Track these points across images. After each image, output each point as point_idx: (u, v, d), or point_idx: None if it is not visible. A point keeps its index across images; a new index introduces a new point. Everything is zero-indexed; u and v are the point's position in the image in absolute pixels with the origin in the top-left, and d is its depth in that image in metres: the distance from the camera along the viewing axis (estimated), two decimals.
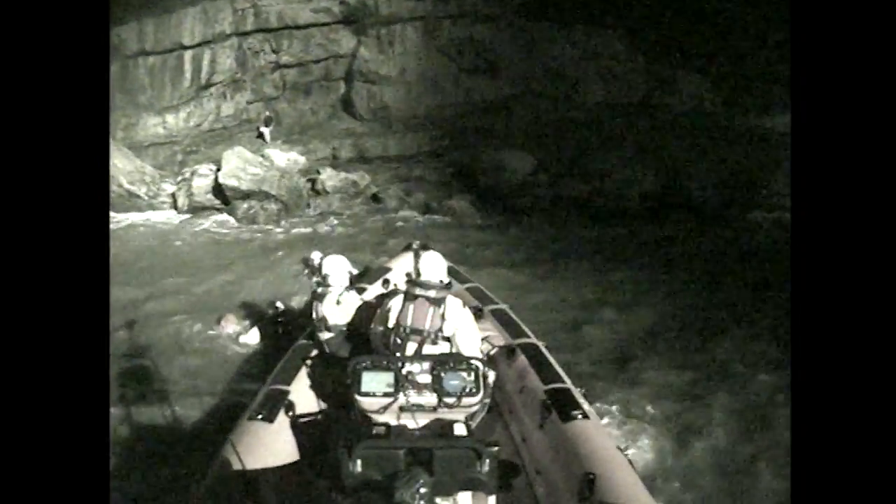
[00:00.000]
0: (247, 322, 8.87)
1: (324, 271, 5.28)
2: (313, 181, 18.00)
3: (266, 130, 20.76)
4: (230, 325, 8.68)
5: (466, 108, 21.71)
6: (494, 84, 22.15)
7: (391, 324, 4.09)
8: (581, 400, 4.37)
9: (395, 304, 4.15)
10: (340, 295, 5.13)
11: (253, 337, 8.31)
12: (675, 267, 12.51)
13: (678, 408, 6.70)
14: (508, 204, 17.88)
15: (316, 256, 10.82)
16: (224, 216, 16.56)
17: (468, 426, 3.56)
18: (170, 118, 20.22)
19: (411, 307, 4.05)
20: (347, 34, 21.25)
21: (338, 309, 5.09)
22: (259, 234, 15.36)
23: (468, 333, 4.13)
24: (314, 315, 5.16)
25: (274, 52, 21.06)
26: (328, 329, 5.07)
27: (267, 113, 21.17)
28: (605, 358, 8.02)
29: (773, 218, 16.63)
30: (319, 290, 5.20)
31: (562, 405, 4.23)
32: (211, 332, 8.68)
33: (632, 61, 21.90)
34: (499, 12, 21.84)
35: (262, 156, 17.66)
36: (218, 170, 16.78)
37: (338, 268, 5.29)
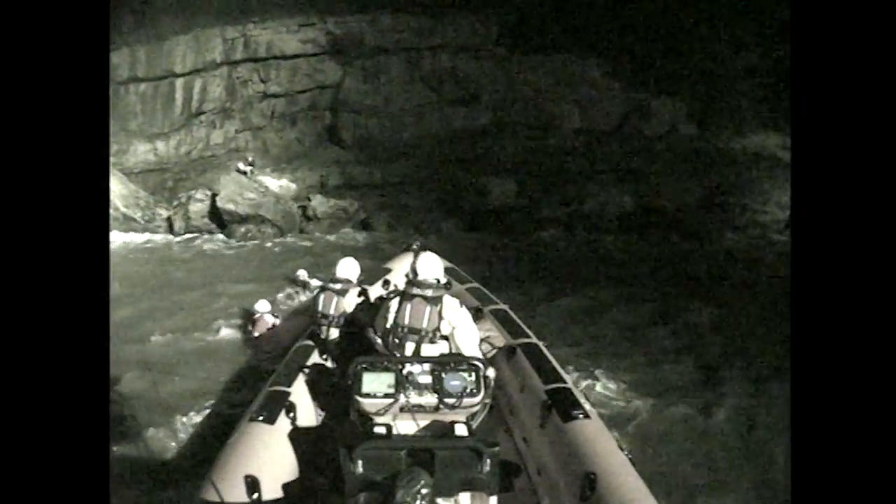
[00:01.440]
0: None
1: (340, 271, 5.43)
2: (304, 207, 18.53)
3: (247, 169, 20.80)
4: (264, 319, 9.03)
5: (448, 137, 22.38)
6: (475, 113, 22.91)
7: (389, 324, 4.12)
8: (582, 399, 4.36)
9: (393, 304, 4.17)
10: (360, 292, 5.37)
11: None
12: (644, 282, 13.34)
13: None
14: (492, 226, 18.63)
15: (301, 273, 11.61)
16: (220, 238, 17.06)
17: (469, 426, 3.57)
18: (160, 145, 20.56)
19: (408, 307, 4.06)
20: (333, 65, 21.84)
21: (360, 305, 5.27)
22: (255, 254, 15.86)
23: (466, 331, 4.11)
24: (330, 311, 5.23)
25: (262, 81, 21.56)
26: (348, 324, 5.14)
27: (249, 158, 21.24)
28: None
29: (749, 235, 17.66)
30: (338, 286, 5.29)
31: (563, 405, 4.22)
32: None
33: (608, 89, 22.76)
34: (479, 43, 22.71)
35: (257, 182, 18.13)
36: (213, 195, 17.28)
37: (355, 268, 5.55)
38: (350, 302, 5.26)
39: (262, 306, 8.96)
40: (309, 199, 18.68)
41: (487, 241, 17.55)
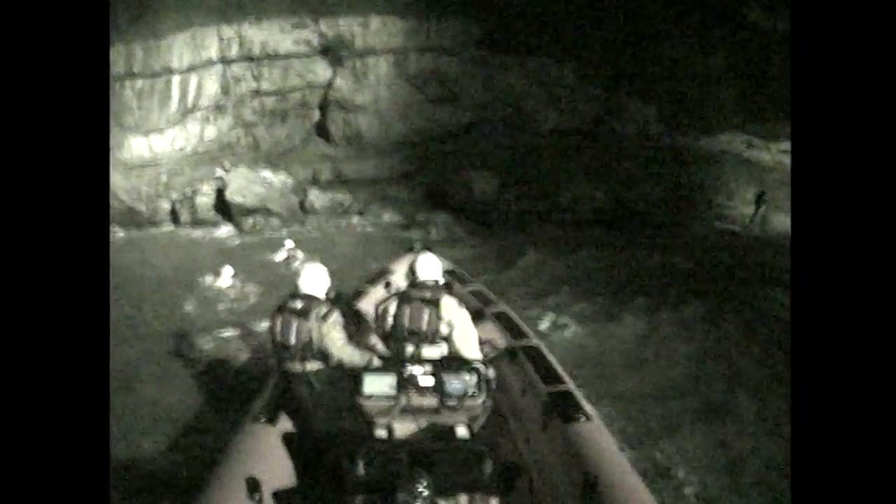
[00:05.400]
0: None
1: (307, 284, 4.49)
2: (301, 201, 19.47)
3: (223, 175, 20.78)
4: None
5: (432, 134, 23.46)
6: (456, 112, 24.01)
7: (389, 327, 4.16)
8: (583, 402, 4.37)
9: (392, 307, 4.19)
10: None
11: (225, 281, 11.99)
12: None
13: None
14: (478, 219, 19.88)
15: (288, 244, 13.68)
16: (228, 229, 17.99)
17: (470, 428, 3.67)
18: (155, 140, 21.01)
19: (407, 309, 4.07)
20: (324, 65, 22.67)
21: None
22: (260, 244, 16.76)
23: (465, 332, 4.10)
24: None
25: (255, 79, 22.18)
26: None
27: (226, 164, 20.84)
28: None
29: (715, 229, 19.25)
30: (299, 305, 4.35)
31: (564, 407, 4.22)
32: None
33: (581, 90, 23.98)
34: (460, 46, 23.74)
35: (261, 177, 18.99)
36: (218, 189, 18.10)
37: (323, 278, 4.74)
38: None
39: (227, 271, 12.27)
40: (306, 193, 19.60)
41: (475, 231, 18.82)
